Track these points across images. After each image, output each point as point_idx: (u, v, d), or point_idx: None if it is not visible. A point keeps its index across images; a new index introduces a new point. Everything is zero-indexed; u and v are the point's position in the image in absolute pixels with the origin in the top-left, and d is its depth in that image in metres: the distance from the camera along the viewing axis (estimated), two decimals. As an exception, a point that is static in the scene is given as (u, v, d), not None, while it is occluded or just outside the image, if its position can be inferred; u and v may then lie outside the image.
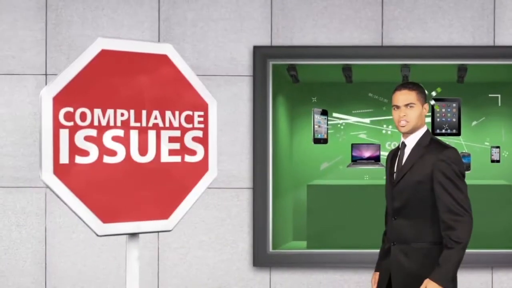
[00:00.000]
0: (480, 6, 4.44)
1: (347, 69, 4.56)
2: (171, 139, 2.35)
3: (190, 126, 2.40)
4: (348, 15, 4.46)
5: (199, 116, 2.43)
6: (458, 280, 2.90)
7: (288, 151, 4.78)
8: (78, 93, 2.15)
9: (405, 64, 4.45)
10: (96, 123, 2.18)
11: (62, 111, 2.12)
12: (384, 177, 3.10)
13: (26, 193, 4.47)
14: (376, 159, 4.71)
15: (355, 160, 4.74)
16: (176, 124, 2.37)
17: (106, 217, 2.20)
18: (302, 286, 4.49)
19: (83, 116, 2.16)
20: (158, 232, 2.36)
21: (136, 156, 2.27)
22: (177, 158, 2.37)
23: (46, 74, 4.46)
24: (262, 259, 4.43)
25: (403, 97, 2.88)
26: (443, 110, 4.63)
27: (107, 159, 2.20)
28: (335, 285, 4.48)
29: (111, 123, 2.21)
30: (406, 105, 2.87)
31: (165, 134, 2.34)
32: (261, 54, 4.40)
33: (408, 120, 2.87)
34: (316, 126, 4.72)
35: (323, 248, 4.55)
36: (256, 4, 4.48)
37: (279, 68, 4.53)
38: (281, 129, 4.66)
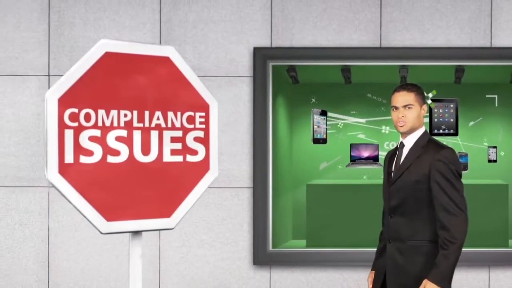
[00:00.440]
0: (477, 8, 4.45)
1: (346, 70, 4.56)
2: (173, 139, 2.38)
3: (191, 126, 2.43)
4: (347, 17, 4.47)
5: (200, 116, 2.45)
6: (456, 279, 2.92)
7: (288, 151, 4.78)
8: (83, 95, 2.18)
9: (403, 65, 4.46)
10: (100, 123, 2.21)
11: (67, 112, 2.15)
12: (382, 177, 3.11)
13: (29, 193, 4.47)
14: (374, 159, 4.70)
15: (354, 160, 4.73)
16: (178, 124, 2.39)
17: (109, 215, 2.23)
18: (301, 284, 4.50)
19: (87, 117, 2.19)
20: (160, 230, 2.39)
21: (139, 156, 2.30)
22: (179, 158, 2.40)
23: (49, 75, 4.47)
24: (262, 257, 4.43)
25: (402, 98, 2.91)
26: (441, 110, 4.63)
27: (110, 159, 2.23)
28: (334, 283, 4.49)
29: (115, 124, 2.24)
30: (405, 106, 2.90)
31: (167, 135, 2.36)
32: (261, 55, 4.41)
33: (407, 121, 2.89)
34: (315, 126, 4.72)
35: (322, 246, 4.55)
36: (256, 6, 4.49)
37: (279, 69, 4.53)
38: (281, 129, 4.66)
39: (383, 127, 4.73)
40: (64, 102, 2.14)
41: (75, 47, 4.48)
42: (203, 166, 2.46)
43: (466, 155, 4.67)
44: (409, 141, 2.95)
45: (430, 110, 4.61)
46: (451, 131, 4.64)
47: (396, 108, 2.92)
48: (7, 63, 4.48)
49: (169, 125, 2.37)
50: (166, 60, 2.38)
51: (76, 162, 2.16)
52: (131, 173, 2.28)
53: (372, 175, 4.72)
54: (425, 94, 3.35)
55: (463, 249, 2.77)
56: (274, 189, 4.48)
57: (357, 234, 4.57)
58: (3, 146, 4.47)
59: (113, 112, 2.24)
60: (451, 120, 4.64)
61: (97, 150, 2.21)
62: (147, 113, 2.32)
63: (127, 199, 2.27)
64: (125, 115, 2.27)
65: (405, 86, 2.96)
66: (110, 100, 2.24)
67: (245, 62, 4.48)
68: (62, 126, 2.14)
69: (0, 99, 4.47)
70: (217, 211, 4.50)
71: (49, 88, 4.45)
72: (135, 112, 2.29)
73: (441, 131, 4.63)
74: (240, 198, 4.49)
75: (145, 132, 2.32)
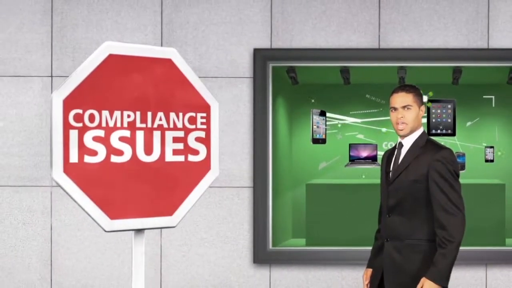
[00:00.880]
0: (475, 10, 4.46)
1: (345, 71, 4.56)
2: (175, 140, 2.40)
3: (193, 127, 2.45)
4: (346, 18, 4.48)
5: (201, 117, 2.47)
6: (453, 277, 2.93)
7: (288, 151, 4.77)
8: (87, 96, 2.21)
9: (402, 66, 4.46)
10: (104, 124, 2.24)
11: (72, 113, 2.18)
12: (380, 176, 3.13)
13: (32, 192, 4.49)
14: (373, 159, 4.69)
15: (353, 159, 4.72)
16: (179, 125, 2.42)
17: (113, 213, 2.25)
18: (301, 282, 4.51)
19: (91, 118, 2.22)
20: (162, 228, 2.42)
21: (142, 156, 2.32)
22: (180, 158, 2.42)
23: (51, 76, 4.48)
24: (262, 256, 4.44)
25: (400, 99, 2.93)
26: (439, 111, 4.62)
27: (114, 159, 2.26)
28: (333, 281, 4.50)
29: (118, 124, 2.27)
30: (404, 107, 2.91)
31: (169, 135, 2.39)
32: (261, 57, 4.42)
33: (405, 122, 2.91)
34: (314, 127, 4.70)
35: (321, 245, 4.55)
36: (257, 8, 4.50)
37: (278, 70, 4.53)
38: (281, 129, 4.66)
39: (382, 127, 4.73)
40: (69, 103, 2.17)
41: (78, 49, 4.49)
42: (204, 166, 2.48)
43: (463, 155, 4.65)
44: (408, 142, 2.96)
45: (428, 110, 4.60)
46: (449, 131, 4.63)
47: (395, 109, 2.94)
48: (10, 64, 4.49)
49: (171, 125, 2.40)
50: (168, 62, 2.41)
51: (80, 162, 2.19)
52: (134, 172, 2.30)
53: (370, 175, 4.70)
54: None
55: (460, 248, 2.79)
56: (274, 188, 4.49)
57: (355, 233, 4.56)
58: (7, 146, 4.48)
59: (117, 113, 2.27)
60: (449, 120, 4.63)
61: (101, 150, 2.24)
62: (149, 114, 2.34)
63: (130, 197, 2.30)
64: (128, 116, 2.30)
65: (403, 87, 2.98)
66: (113, 101, 2.27)
67: (245, 63, 4.49)
68: (67, 127, 2.17)
69: (4, 100, 4.49)
70: (217, 210, 4.51)
71: (52, 89, 4.47)
72: (138, 113, 2.31)
73: (438, 131, 4.62)
74: (240, 198, 4.51)
75: (148, 133, 2.34)
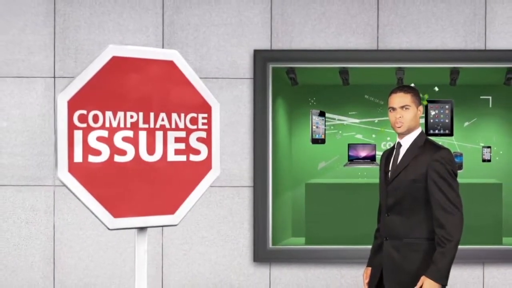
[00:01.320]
0: (472, 12, 4.48)
1: (344, 72, 4.57)
2: (177, 140, 2.42)
3: (194, 127, 2.47)
4: (345, 20, 4.50)
5: (203, 118, 2.49)
6: (451, 275, 2.94)
7: (287, 151, 4.77)
8: (91, 97, 2.23)
9: (400, 67, 4.47)
10: (107, 124, 2.26)
11: (76, 114, 2.20)
12: (379, 176, 3.15)
13: (35, 191, 4.50)
14: (371, 159, 4.70)
15: (352, 159, 4.72)
16: (181, 125, 2.43)
17: (116, 212, 2.27)
18: (300, 281, 4.53)
19: (95, 118, 2.24)
20: (164, 226, 2.45)
21: (144, 156, 2.34)
22: (182, 157, 2.43)
23: (54, 77, 4.50)
24: (262, 254, 4.46)
25: (398, 99, 2.95)
26: (436, 111, 4.62)
27: (117, 158, 2.28)
28: (332, 280, 4.51)
29: (121, 125, 2.29)
30: (402, 107, 2.94)
31: (171, 135, 2.40)
32: (261, 58, 4.44)
33: (404, 121, 2.93)
34: (314, 127, 4.71)
35: (321, 244, 4.56)
36: (257, 10, 4.51)
37: (278, 71, 4.55)
38: (281, 129, 4.67)
39: (380, 127, 4.75)
40: (74, 104, 2.19)
41: (80, 50, 4.51)
42: (206, 165, 2.50)
43: (461, 154, 4.66)
44: (407, 141, 2.99)
45: (426, 111, 4.61)
46: (447, 131, 4.64)
47: (394, 109, 2.97)
48: (13, 65, 4.51)
49: (173, 126, 2.41)
50: (170, 64, 2.42)
51: (84, 161, 2.21)
52: (137, 172, 2.32)
53: (369, 174, 4.70)
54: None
55: (458, 246, 2.81)
56: (274, 188, 4.50)
57: (355, 232, 4.57)
58: (10, 146, 4.50)
59: (120, 114, 2.29)
60: (447, 120, 4.63)
61: (105, 150, 2.25)
62: (152, 114, 2.36)
63: (133, 196, 2.32)
64: (131, 117, 2.31)
65: (401, 87, 3.01)
66: (117, 102, 2.29)
67: (246, 64, 4.51)
68: (71, 127, 2.19)
69: (7, 100, 4.50)
70: (218, 209, 4.52)
71: (54, 89, 4.49)
72: (140, 114, 2.33)
73: (436, 131, 4.63)
74: (240, 197, 4.52)
75: (150, 133, 2.36)
